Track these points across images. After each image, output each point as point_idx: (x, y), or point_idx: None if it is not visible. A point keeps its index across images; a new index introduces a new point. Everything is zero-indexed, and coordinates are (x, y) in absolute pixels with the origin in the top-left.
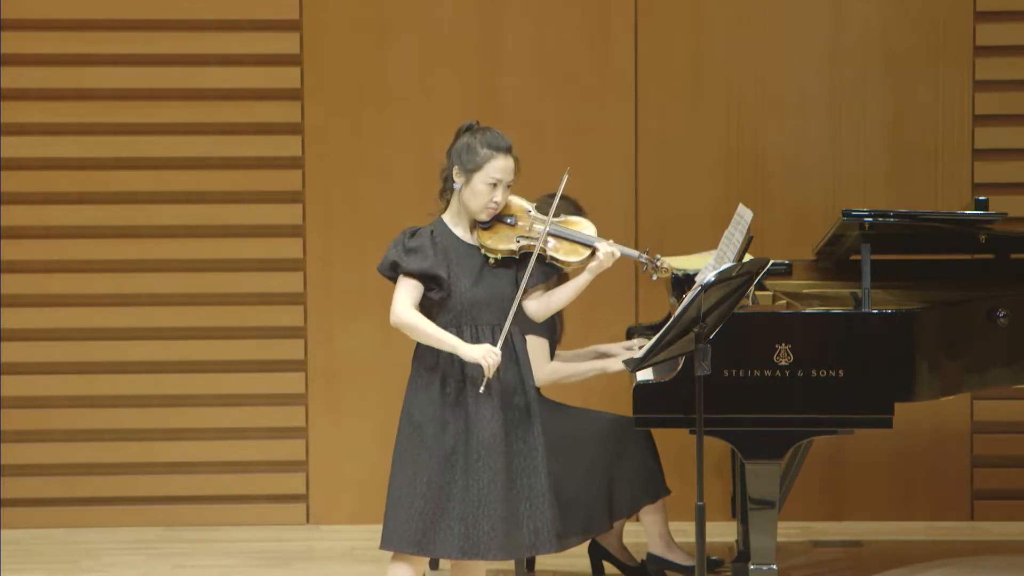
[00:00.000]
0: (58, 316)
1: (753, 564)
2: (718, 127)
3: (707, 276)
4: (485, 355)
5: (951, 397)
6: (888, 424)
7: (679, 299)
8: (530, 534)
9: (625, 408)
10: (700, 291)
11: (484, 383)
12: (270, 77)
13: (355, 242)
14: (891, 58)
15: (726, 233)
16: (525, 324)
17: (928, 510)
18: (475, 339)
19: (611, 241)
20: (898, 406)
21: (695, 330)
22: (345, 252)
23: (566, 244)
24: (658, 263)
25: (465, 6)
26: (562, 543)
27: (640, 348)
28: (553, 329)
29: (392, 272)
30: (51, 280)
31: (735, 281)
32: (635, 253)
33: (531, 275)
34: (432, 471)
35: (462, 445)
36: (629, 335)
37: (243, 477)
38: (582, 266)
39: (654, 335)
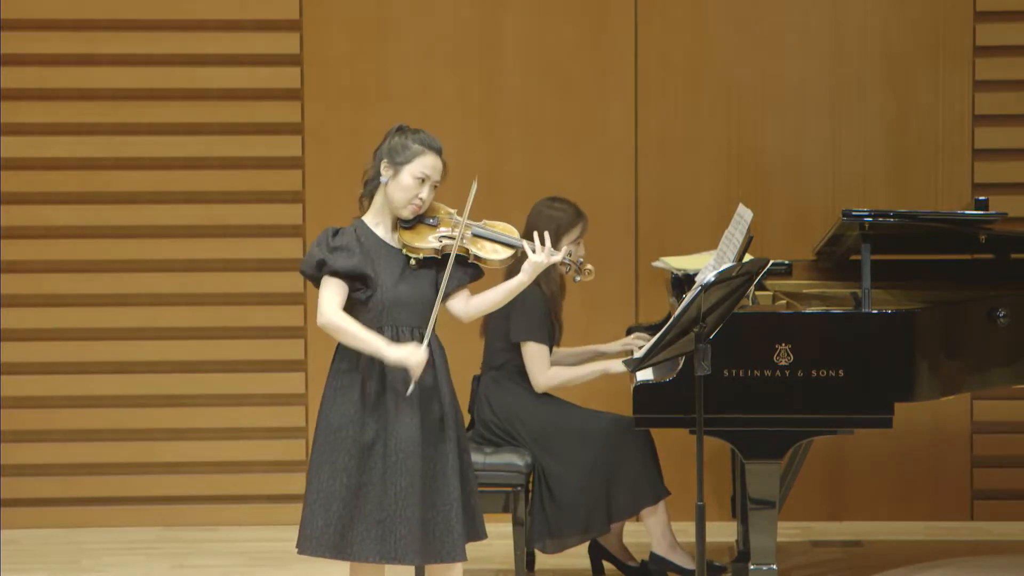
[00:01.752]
0: (58, 316)
1: (753, 564)
2: (718, 127)
3: (707, 276)
4: (410, 356)
5: (951, 397)
6: (888, 424)
7: (679, 299)
8: (438, 541)
9: (625, 408)
10: (700, 291)
11: (411, 386)
12: (270, 77)
13: None
14: (891, 58)
15: (726, 233)
16: (524, 330)
17: (928, 510)
18: (396, 340)
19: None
20: (898, 406)
21: (695, 330)
22: None
23: (489, 243)
24: (580, 265)
25: (465, 6)
26: (561, 544)
27: (639, 347)
28: (552, 334)
29: (317, 272)
30: (51, 280)
31: (735, 281)
32: (559, 256)
33: (452, 276)
34: (350, 472)
35: (380, 447)
36: (629, 335)
37: (243, 477)
38: (503, 265)
39: (654, 335)
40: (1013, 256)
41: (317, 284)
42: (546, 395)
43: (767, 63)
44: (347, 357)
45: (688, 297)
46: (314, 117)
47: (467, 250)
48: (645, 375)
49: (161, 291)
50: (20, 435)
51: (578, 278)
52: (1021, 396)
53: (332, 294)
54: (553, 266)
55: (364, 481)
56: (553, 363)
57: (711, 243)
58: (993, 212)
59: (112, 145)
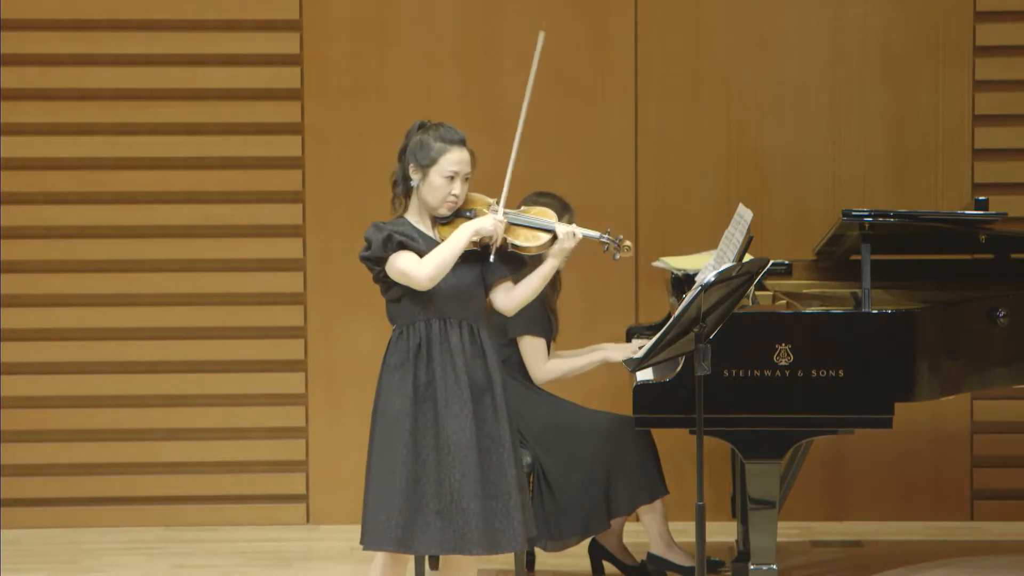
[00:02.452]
0: (58, 316)
1: (753, 564)
2: (718, 127)
3: (707, 276)
4: (484, 223)
5: (951, 397)
6: (888, 424)
7: (679, 299)
8: (499, 532)
9: (625, 408)
10: (700, 291)
11: (493, 252)
12: (270, 77)
13: (355, 242)
14: (891, 58)
15: (726, 233)
16: (521, 325)
17: (928, 510)
18: (444, 333)
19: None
20: (898, 406)
21: (695, 330)
22: (345, 252)
23: (526, 231)
24: (620, 242)
25: (465, 6)
26: (561, 543)
27: (641, 346)
28: (549, 328)
29: (384, 249)
30: (51, 280)
31: (735, 281)
32: (596, 234)
33: (494, 269)
34: (408, 465)
35: (432, 440)
36: (629, 335)
37: (243, 477)
38: (542, 251)
39: (654, 335)
40: (1013, 256)
41: (381, 267)
42: (547, 393)
43: (767, 63)
44: (396, 353)
45: (688, 297)
46: (314, 117)
47: (506, 239)
48: (645, 375)
49: (161, 291)
50: (20, 435)
51: (618, 255)
52: (1021, 396)
53: (411, 258)
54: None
55: (420, 474)
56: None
57: (711, 243)
58: (993, 212)
59: (112, 145)
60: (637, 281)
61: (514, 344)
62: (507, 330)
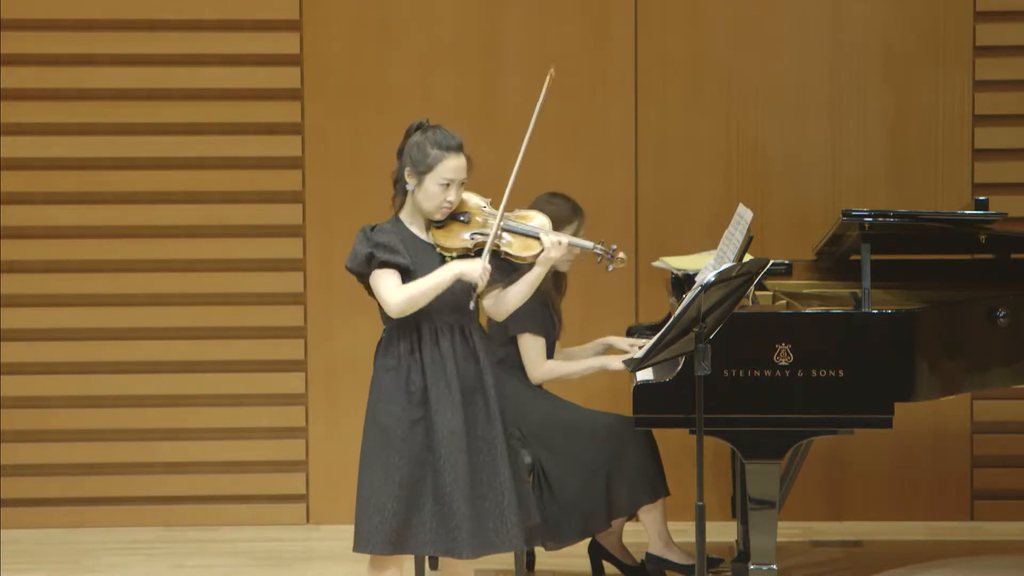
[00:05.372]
0: (58, 316)
1: (753, 564)
2: (718, 127)
3: (707, 276)
4: (472, 269)
5: (951, 397)
6: (888, 424)
7: (679, 299)
8: (492, 532)
9: (625, 408)
10: (700, 291)
11: (474, 299)
12: (270, 77)
13: None
14: (891, 58)
15: (726, 233)
16: (521, 323)
17: (928, 510)
18: (435, 337)
19: (560, 233)
20: (898, 406)
21: (695, 330)
22: (345, 252)
23: (519, 239)
24: (614, 253)
25: (465, 6)
26: (561, 543)
27: (642, 345)
28: (551, 327)
29: (367, 266)
30: (51, 280)
31: (735, 281)
32: (587, 244)
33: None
34: (403, 471)
35: (426, 442)
36: (629, 335)
37: (243, 477)
38: (536, 259)
39: (654, 335)
40: (1013, 256)
41: (365, 280)
42: (547, 392)
43: (767, 63)
44: (388, 356)
45: (688, 297)
46: (314, 117)
47: (498, 246)
48: (645, 375)
49: (161, 291)
50: (20, 435)
51: (611, 267)
52: (1021, 396)
53: (389, 281)
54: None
55: (416, 477)
56: (562, 359)
57: (711, 243)
58: (993, 212)
59: (112, 145)
60: (637, 281)
61: (514, 343)
62: (507, 328)
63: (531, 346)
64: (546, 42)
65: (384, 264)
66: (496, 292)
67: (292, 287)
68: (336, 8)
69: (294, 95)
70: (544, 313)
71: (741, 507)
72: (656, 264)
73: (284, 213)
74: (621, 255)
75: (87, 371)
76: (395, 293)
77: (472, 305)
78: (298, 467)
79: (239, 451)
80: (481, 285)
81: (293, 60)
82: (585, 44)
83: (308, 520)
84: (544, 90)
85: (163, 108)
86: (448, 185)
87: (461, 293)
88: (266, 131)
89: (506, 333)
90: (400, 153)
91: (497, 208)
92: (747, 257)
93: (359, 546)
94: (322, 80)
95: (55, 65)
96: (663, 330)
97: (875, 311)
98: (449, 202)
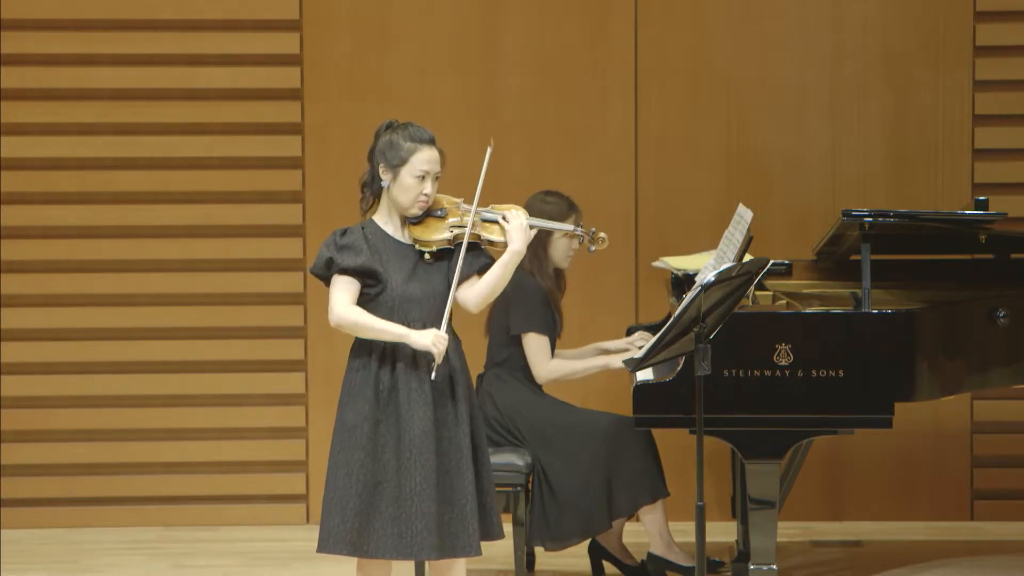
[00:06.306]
0: (58, 316)
1: (753, 564)
2: (718, 127)
3: (707, 276)
4: (435, 341)
5: (951, 397)
6: (888, 424)
7: (679, 299)
8: (452, 536)
9: (625, 408)
10: (700, 291)
11: (435, 368)
12: (270, 77)
13: None
14: (891, 58)
15: (726, 233)
16: (524, 322)
17: (928, 510)
18: None
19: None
20: (898, 406)
21: (695, 330)
22: None
23: (498, 226)
24: (594, 234)
25: (465, 6)
26: (561, 543)
27: (641, 346)
28: (553, 326)
29: (327, 271)
30: (51, 280)
31: (735, 281)
32: (554, 225)
33: (465, 263)
34: (366, 470)
35: (394, 443)
36: (629, 335)
37: (243, 477)
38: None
39: (654, 335)
40: (1013, 256)
41: (328, 283)
42: (548, 394)
43: (767, 63)
44: (360, 355)
45: (688, 297)
46: (314, 117)
47: (479, 236)
48: (645, 375)
49: (161, 291)
50: (20, 435)
51: (593, 248)
52: (1021, 396)
53: (342, 292)
54: (547, 259)
55: (380, 478)
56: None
57: (711, 243)
58: (993, 212)
59: (112, 145)
60: (637, 281)
61: (516, 343)
62: (509, 329)
63: (536, 345)
64: (546, 42)
65: (344, 271)
66: (470, 282)
67: (292, 287)
68: (336, 8)
69: (294, 95)
70: (547, 312)
71: (741, 507)
72: (656, 264)
73: (284, 213)
74: (602, 235)
75: (87, 371)
76: (345, 309)
77: (433, 375)
78: (298, 467)
79: (239, 451)
80: (438, 356)
81: (293, 60)
82: (585, 44)
83: (308, 520)
84: (485, 162)
85: (163, 108)
86: (423, 177)
87: (437, 289)
88: (266, 131)
89: (508, 334)
90: (371, 154)
91: (471, 204)
92: (747, 257)
93: (320, 545)
94: (322, 80)
95: (55, 65)
96: (663, 330)
97: (875, 311)
98: (426, 195)
